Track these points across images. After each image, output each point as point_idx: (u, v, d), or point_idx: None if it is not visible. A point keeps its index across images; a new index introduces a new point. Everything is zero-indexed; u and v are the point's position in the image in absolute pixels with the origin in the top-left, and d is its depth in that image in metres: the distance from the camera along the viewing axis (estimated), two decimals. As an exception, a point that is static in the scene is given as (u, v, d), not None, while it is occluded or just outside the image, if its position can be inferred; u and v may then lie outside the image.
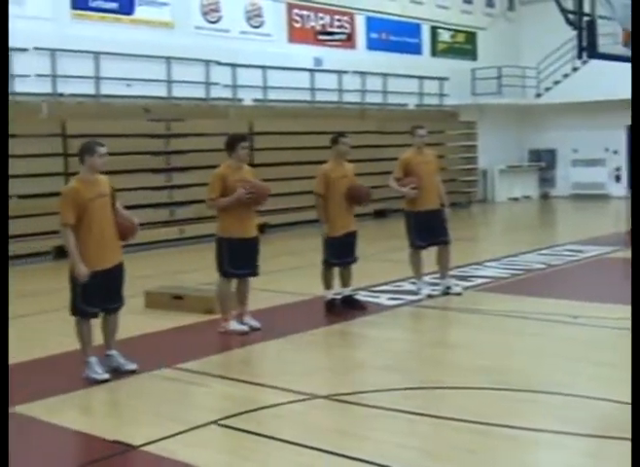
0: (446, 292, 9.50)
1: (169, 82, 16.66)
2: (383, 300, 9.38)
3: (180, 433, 5.21)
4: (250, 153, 17.26)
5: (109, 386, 6.34)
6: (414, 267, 9.52)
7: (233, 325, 7.91)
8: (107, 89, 15.61)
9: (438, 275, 9.71)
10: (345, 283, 8.88)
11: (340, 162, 8.79)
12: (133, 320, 8.07)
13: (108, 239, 6.50)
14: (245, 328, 7.92)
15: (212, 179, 7.85)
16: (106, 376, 6.38)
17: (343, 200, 8.69)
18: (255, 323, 8.01)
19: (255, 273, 8.02)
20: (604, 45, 15.76)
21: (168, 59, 16.58)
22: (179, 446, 5.03)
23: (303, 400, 5.87)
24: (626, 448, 4.79)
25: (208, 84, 17.43)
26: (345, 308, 8.73)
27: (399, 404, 5.68)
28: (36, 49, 14.49)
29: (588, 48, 15.56)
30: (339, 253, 8.69)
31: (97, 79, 15.47)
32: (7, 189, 7.68)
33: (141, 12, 16.35)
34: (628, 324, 7.87)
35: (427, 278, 9.77)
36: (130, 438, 5.13)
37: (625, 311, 8.46)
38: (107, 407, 5.99)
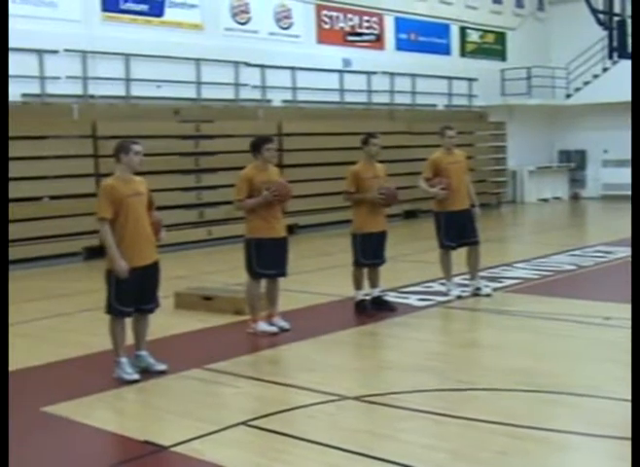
0: (476, 293, 9.46)
1: (199, 83, 16.73)
2: (413, 301, 9.36)
3: (209, 434, 5.24)
4: (278, 154, 17.39)
5: (139, 387, 6.38)
6: (444, 267, 9.49)
7: (262, 326, 7.93)
8: (137, 90, 15.72)
9: (468, 276, 9.67)
10: (373, 284, 8.87)
11: (371, 163, 8.79)
12: (163, 321, 8.12)
13: (144, 237, 6.55)
14: (274, 329, 7.93)
15: (239, 180, 7.93)
16: (136, 376, 6.43)
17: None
18: (284, 324, 8.03)
19: (284, 274, 8.03)
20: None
21: (198, 61, 16.66)
22: (208, 446, 5.05)
23: (333, 401, 5.87)
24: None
25: (237, 85, 17.49)
26: (375, 309, 8.72)
27: (428, 405, 5.67)
28: (67, 51, 14.61)
29: (619, 48, 15.48)
30: (369, 253, 8.67)
31: (127, 80, 15.58)
32: (7, 191, 7.76)
33: (171, 14, 16.45)
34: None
35: (457, 279, 9.73)
36: (160, 438, 5.16)
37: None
38: (137, 407, 6.02)
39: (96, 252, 14.19)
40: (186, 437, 5.16)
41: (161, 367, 6.66)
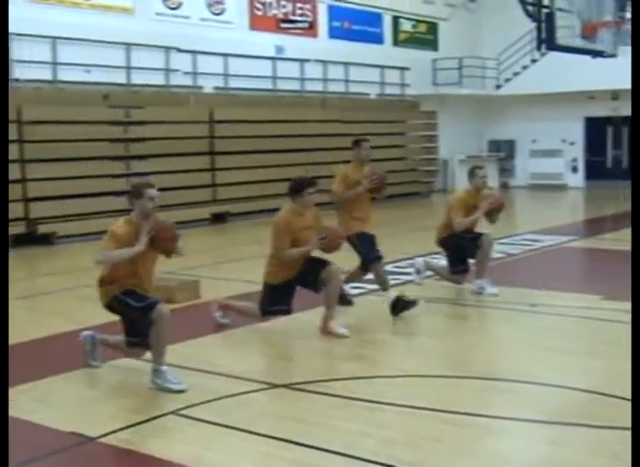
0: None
1: (129, 68, 16.46)
2: (346, 288, 9.33)
3: (138, 423, 5.15)
4: (211, 140, 17.29)
5: (66, 377, 6.24)
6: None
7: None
8: (65, 74, 15.38)
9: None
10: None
11: (361, 167, 8.40)
12: (93, 309, 7.95)
13: (146, 282, 6.16)
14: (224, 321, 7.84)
15: (276, 229, 7.24)
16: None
17: (364, 202, 8.39)
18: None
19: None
20: (562, 37, 15.91)
21: (128, 46, 16.38)
22: (138, 436, 4.97)
23: (263, 389, 5.83)
24: (584, 434, 4.85)
25: (168, 71, 17.26)
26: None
27: (361, 393, 5.67)
28: (-9, 33, 14.20)
29: (547, 40, 15.69)
30: (374, 247, 8.29)
31: (54, 64, 15.23)
32: (7, 183, 7.36)
33: (100, -3, 16.13)
34: (583, 312, 8.00)
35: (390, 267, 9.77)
36: (88, 429, 5.05)
37: (581, 300, 8.57)
38: (64, 397, 5.88)
39: (21, 239, 13.90)
40: (114, 427, 5.07)
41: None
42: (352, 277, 8.70)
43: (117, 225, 6.05)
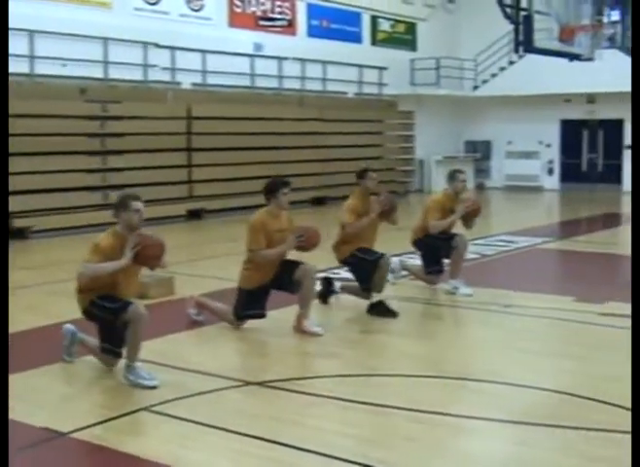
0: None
1: (106, 63, 16.37)
2: (318, 287, 9.37)
3: (111, 419, 5.14)
4: (188, 136, 17.26)
5: (39, 371, 6.22)
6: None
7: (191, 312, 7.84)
8: (42, 68, 15.28)
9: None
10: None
11: (367, 198, 8.28)
12: (66, 305, 7.92)
13: (130, 292, 6.16)
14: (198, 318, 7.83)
15: (251, 230, 7.22)
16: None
17: (371, 232, 8.38)
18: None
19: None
20: (540, 40, 16.02)
21: (105, 40, 16.29)
22: (110, 433, 4.96)
23: (237, 386, 5.84)
24: (553, 434, 4.90)
25: (146, 66, 17.19)
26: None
27: (334, 391, 5.68)
28: (-32, 25, 14.08)
29: (525, 42, 15.79)
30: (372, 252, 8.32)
31: (32, 58, 15.13)
32: (7, 180, 7.20)
33: (78, -10, 16.03)
34: (556, 313, 8.07)
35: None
36: (59, 424, 5.04)
37: (555, 301, 8.65)
38: (36, 392, 5.86)
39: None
40: (87, 423, 5.06)
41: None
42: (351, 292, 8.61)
43: (101, 237, 6.07)
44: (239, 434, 4.90)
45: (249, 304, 7.42)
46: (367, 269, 8.13)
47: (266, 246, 7.24)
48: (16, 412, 5.32)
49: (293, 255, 7.51)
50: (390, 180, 22.65)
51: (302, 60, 20.87)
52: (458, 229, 9.34)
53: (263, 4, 20.28)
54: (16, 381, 5.97)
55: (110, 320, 5.97)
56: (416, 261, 9.77)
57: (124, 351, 6.03)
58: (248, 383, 5.91)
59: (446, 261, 9.22)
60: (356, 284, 8.42)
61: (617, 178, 24.63)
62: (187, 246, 13.44)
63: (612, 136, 24.78)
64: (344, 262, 8.41)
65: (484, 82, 25.75)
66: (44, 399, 5.69)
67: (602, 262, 12.06)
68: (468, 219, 9.24)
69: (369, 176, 8.31)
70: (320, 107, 20.60)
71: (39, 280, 10.02)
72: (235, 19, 19.60)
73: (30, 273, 10.64)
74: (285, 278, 7.35)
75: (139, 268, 6.21)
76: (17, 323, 7.55)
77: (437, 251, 9.13)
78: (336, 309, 8.50)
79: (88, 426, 5.02)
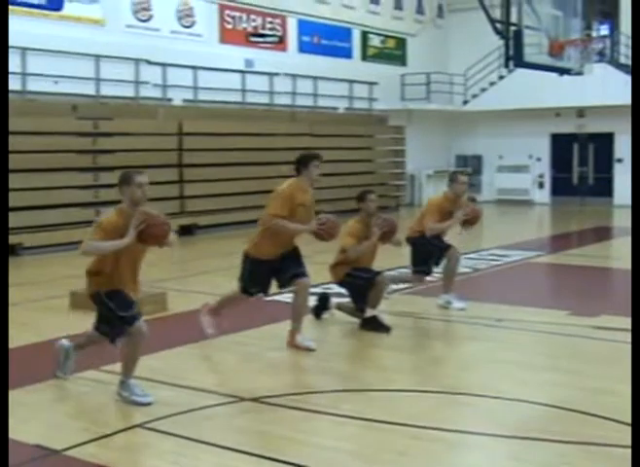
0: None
1: (98, 80, 16.40)
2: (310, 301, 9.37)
3: (104, 437, 5.13)
4: (180, 153, 17.27)
5: (31, 389, 6.20)
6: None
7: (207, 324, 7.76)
8: (34, 85, 15.29)
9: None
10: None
11: (368, 221, 8.21)
12: (59, 320, 7.93)
13: (130, 277, 6.05)
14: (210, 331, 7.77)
15: (277, 196, 7.17)
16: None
17: (370, 255, 8.36)
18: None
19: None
20: (530, 54, 16.09)
21: (97, 57, 16.33)
22: (103, 450, 4.95)
23: (231, 403, 5.83)
24: (546, 449, 4.91)
25: (138, 83, 17.22)
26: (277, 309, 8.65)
27: (328, 406, 5.68)
28: (-41, 42, 14.09)
29: (515, 57, 15.86)
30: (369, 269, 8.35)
31: (24, 75, 15.15)
32: (7, 187, 7.13)
33: (70, 8, 16.07)
34: (549, 327, 8.09)
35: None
36: (52, 442, 5.02)
37: (547, 315, 8.67)
38: (28, 409, 5.84)
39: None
40: (80, 440, 5.04)
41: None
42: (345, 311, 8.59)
43: (106, 215, 5.96)
44: (234, 450, 4.89)
45: (254, 279, 7.36)
46: (363, 287, 8.10)
47: (288, 217, 7.16)
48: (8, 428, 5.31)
49: (304, 244, 7.49)
50: (381, 195, 22.66)
51: (293, 76, 20.94)
52: (453, 234, 9.33)
53: (254, 20, 20.36)
54: (8, 398, 5.95)
55: (113, 321, 5.93)
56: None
57: (120, 366, 6.00)
58: (242, 399, 5.90)
59: (436, 269, 9.23)
60: (351, 304, 8.41)
61: (607, 191, 24.73)
62: (179, 262, 13.42)
63: (602, 150, 24.90)
64: (341, 283, 8.38)
65: (474, 96, 25.86)
66: (36, 416, 5.67)
67: (594, 275, 12.09)
68: (465, 226, 9.24)
69: (369, 198, 8.23)
70: (311, 122, 20.65)
71: (30, 297, 9.98)
72: (226, 36, 19.67)
73: (21, 290, 10.60)
74: (286, 276, 7.33)
75: (143, 250, 6.06)
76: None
77: (428, 255, 9.14)
78: (329, 324, 8.50)
79: (82, 443, 5.00)
